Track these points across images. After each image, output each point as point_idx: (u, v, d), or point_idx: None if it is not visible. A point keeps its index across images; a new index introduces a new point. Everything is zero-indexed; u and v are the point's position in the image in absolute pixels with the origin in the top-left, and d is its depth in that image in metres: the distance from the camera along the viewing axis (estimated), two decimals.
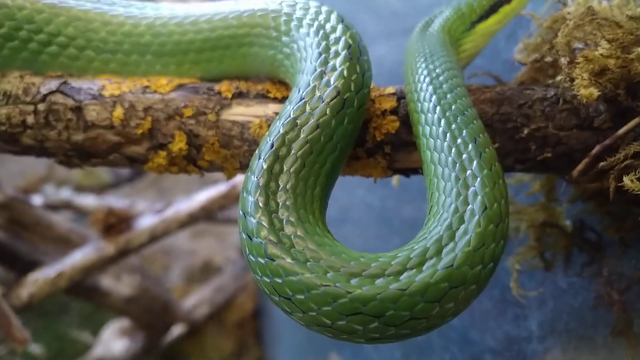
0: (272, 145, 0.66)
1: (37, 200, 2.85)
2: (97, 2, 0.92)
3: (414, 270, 0.58)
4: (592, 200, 0.99)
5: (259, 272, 0.60)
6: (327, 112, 0.68)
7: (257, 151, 0.68)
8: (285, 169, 0.66)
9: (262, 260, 0.60)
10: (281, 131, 0.67)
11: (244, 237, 0.64)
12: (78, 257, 1.66)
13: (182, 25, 0.88)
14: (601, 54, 0.78)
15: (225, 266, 4.44)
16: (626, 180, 0.77)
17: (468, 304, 0.62)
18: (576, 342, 1.09)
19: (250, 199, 0.63)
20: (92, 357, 2.76)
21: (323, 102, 0.69)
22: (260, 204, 0.63)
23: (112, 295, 2.05)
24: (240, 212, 0.65)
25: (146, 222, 1.77)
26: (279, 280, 0.58)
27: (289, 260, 0.58)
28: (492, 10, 0.97)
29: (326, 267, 0.58)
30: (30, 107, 0.83)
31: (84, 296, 2.08)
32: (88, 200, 3.08)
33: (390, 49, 2.07)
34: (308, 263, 0.58)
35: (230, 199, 1.99)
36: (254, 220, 0.62)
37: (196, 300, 3.69)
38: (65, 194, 3.05)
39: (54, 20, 0.88)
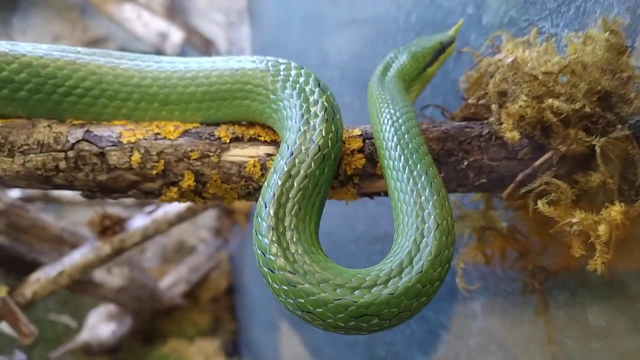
0: (274, 195, 0.85)
1: (14, 193, 2.93)
2: (108, 57, 1.08)
3: (396, 278, 0.80)
4: (520, 209, 1.22)
5: (283, 295, 0.80)
6: (312, 165, 0.88)
7: (261, 200, 0.87)
8: (287, 213, 0.85)
9: (285, 287, 0.79)
10: (279, 183, 0.86)
11: (266, 270, 0.82)
12: (77, 257, 1.81)
13: (184, 79, 1.05)
14: (520, 106, 1.00)
15: (198, 246, 4.60)
16: (539, 204, 1.00)
17: (434, 295, 0.85)
18: (510, 319, 1.34)
19: (266, 241, 0.82)
20: (79, 340, 2.92)
21: (308, 157, 0.88)
22: (275, 244, 0.81)
23: (105, 286, 2.22)
24: (259, 251, 0.83)
25: (138, 223, 1.93)
26: (302, 300, 0.78)
27: (307, 285, 0.78)
28: (435, 57, 1.19)
29: (334, 285, 0.78)
30: (62, 155, 0.99)
31: (80, 290, 2.24)
32: (65, 192, 3.17)
33: (348, 38, 2.23)
34: (321, 284, 0.78)
35: None
36: (273, 258, 0.81)
37: (172, 280, 3.85)
38: None
39: (73, 75, 1.03)
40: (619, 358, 1.03)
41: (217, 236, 4.49)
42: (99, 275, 2.18)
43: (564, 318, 1.14)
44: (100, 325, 2.75)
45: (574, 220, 0.93)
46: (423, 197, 0.89)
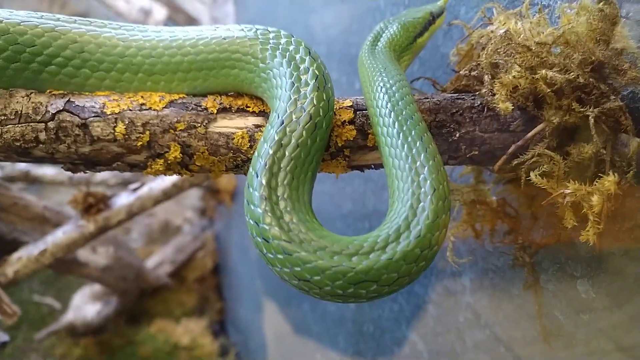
0: (265, 164, 0.83)
1: None
2: (90, 25, 1.03)
3: (394, 243, 0.79)
4: (510, 183, 1.22)
5: (278, 265, 0.78)
6: (304, 134, 0.86)
7: (252, 170, 0.84)
8: (279, 182, 0.83)
9: (280, 256, 0.77)
10: (270, 152, 0.84)
11: (260, 240, 0.80)
12: (60, 235, 1.77)
13: (170, 48, 1.01)
14: (513, 76, 0.98)
15: (183, 226, 4.57)
16: (532, 175, 1.00)
17: (433, 260, 0.84)
18: (499, 294, 1.35)
19: (259, 210, 0.80)
20: (64, 321, 2.89)
21: (299, 125, 0.86)
22: (269, 213, 0.79)
23: (90, 266, 2.18)
24: (252, 222, 0.81)
25: (123, 200, 1.89)
26: (298, 269, 0.76)
27: (303, 253, 0.76)
28: (426, 27, 1.17)
29: (331, 252, 0.77)
30: (42, 125, 0.95)
31: (64, 270, 2.20)
32: (47, 171, 3.11)
33: (335, 14, 2.20)
34: (318, 252, 0.76)
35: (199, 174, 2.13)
36: (267, 227, 0.79)
37: (158, 260, 3.82)
38: (22, 165, 3.08)
39: (53, 43, 0.99)
40: (608, 330, 1.04)
41: (203, 216, 4.46)
42: (84, 254, 2.14)
43: (553, 291, 1.14)
44: (86, 305, 2.72)
45: (567, 191, 0.93)
46: (418, 163, 0.88)
